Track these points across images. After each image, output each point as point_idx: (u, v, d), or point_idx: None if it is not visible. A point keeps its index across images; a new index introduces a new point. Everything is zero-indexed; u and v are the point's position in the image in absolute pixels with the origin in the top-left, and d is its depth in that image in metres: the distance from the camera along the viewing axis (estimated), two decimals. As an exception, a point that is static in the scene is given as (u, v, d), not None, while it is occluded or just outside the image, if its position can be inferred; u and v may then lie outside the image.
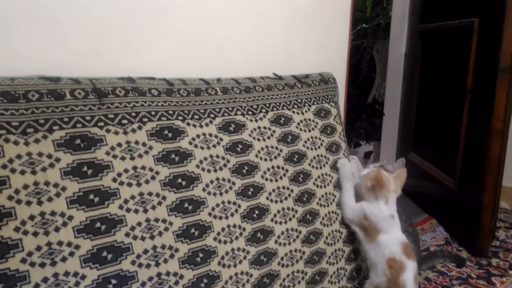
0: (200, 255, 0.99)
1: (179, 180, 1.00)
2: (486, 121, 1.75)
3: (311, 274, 1.23)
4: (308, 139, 1.32)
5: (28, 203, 0.81)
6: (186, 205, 0.99)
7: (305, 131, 1.33)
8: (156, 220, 0.94)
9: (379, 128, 3.04)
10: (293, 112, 1.32)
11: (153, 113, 1.01)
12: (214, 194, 1.05)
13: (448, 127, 2.07)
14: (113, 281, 0.87)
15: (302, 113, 1.35)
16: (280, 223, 1.18)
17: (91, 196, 0.88)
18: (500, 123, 1.71)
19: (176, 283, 0.94)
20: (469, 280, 1.63)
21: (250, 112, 1.21)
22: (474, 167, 1.86)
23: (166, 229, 0.95)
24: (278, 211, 1.18)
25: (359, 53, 3.89)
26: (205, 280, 0.99)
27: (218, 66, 1.28)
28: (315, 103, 1.40)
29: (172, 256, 0.95)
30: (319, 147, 1.35)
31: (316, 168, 1.32)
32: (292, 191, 1.23)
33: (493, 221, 1.82)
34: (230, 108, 1.16)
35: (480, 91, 1.83)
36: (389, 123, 2.87)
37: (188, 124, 1.06)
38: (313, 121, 1.37)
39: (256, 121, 1.21)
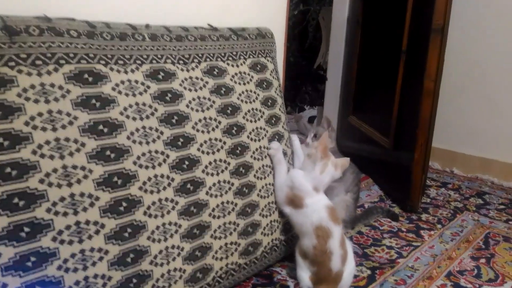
0: (124, 204, 0.96)
1: (100, 127, 0.95)
2: (419, 81, 1.80)
3: (243, 226, 1.24)
4: (242, 92, 1.30)
5: None
6: (108, 152, 0.95)
7: (240, 84, 1.30)
8: (74, 167, 0.89)
9: (323, 94, 3.07)
10: (228, 64, 1.29)
11: (71, 55, 0.94)
12: (140, 143, 1.01)
13: (384, 89, 2.12)
14: (26, 229, 0.82)
15: (237, 66, 1.32)
16: (212, 174, 1.16)
17: (0, 140, 0.81)
18: (432, 82, 1.76)
19: (97, 232, 0.91)
20: (399, 234, 1.71)
21: (181, 61, 1.16)
22: (407, 126, 1.92)
23: (86, 176, 0.90)
24: (210, 163, 1.16)
25: (305, 20, 3.88)
26: (129, 230, 0.96)
27: (148, 14, 1.21)
28: (251, 56, 1.37)
29: (92, 204, 0.91)
30: (254, 100, 1.33)
31: (251, 121, 1.31)
32: (225, 143, 1.21)
33: (424, 178, 1.90)
34: (159, 56, 1.11)
35: (414, 52, 1.87)
36: (331, 88, 2.90)
37: (112, 69, 1.00)
38: (249, 74, 1.34)
39: (188, 71, 1.17)
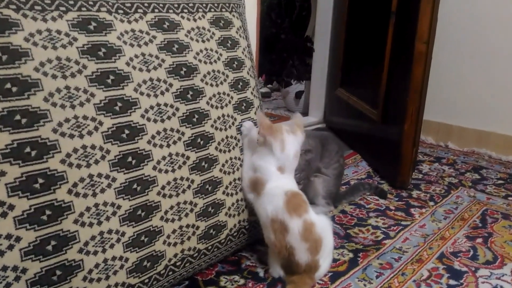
0: (40, 180, 0.78)
1: (8, 85, 0.76)
2: (409, 45, 1.61)
3: (202, 206, 1.06)
4: (201, 51, 1.11)
5: None
6: (17, 117, 0.76)
7: (197, 41, 1.11)
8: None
9: (311, 68, 2.88)
10: (182, 17, 1.10)
11: (-32, -4, 0.76)
12: (62, 106, 0.83)
13: (374, 57, 1.93)
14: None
15: (194, 20, 1.12)
16: (161, 146, 0.98)
17: None
18: (424, 45, 1.58)
19: (4, 215, 0.73)
20: (387, 212, 1.54)
21: (120, 11, 0.97)
22: (396, 96, 1.74)
23: (-15, 146, 0.73)
24: (158, 132, 0.98)
25: (293, -10, 3.66)
26: (48, 212, 0.78)
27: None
28: (213, 10, 1.18)
29: (-6, 180, 0.73)
30: (215, 61, 1.15)
31: (212, 85, 1.12)
32: (177, 109, 1.03)
33: (415, 152, 1.72)
34: (91, 3, 0.92)
35: (404, 12, 1.68)
36: (319, 60, 2.71)
37: (25, 15, 0.81)
38: (209, 30, 1.15)
39: (129, 22, 0.98)
